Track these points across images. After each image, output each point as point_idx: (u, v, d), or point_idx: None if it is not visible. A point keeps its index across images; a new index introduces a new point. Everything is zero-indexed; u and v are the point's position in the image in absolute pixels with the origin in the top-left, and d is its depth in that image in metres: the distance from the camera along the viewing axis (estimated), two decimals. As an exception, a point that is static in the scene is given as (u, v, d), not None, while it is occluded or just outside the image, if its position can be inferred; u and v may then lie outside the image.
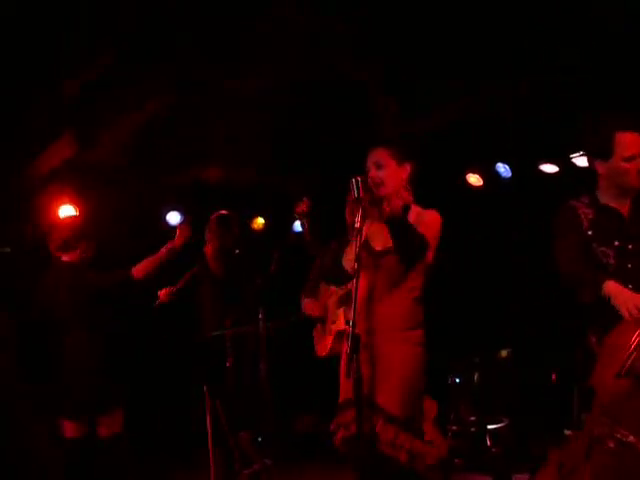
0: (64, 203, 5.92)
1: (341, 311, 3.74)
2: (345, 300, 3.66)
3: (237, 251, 5.29)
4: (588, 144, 3.49)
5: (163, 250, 4.75)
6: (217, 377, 4.81)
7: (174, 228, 5.20)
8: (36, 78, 5.11)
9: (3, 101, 5.24)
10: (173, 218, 6.54)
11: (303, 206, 4.01)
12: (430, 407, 3.45)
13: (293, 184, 6.14)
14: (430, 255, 3.42)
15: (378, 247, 3.41)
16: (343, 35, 5.07)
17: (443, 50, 5.18)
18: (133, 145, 5.94)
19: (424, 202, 3.52)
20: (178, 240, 4.81)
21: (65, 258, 4.69)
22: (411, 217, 3.43)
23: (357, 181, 3.25)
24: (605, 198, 3.41)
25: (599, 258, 3.28)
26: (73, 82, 5.23)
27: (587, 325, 3.35)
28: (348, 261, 3.44)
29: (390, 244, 3.36)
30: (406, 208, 3.46)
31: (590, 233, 3.33)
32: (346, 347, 3.06)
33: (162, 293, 5.09)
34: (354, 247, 3.20)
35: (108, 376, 4.48)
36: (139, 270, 4.64)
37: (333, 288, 3.83)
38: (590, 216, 3.36)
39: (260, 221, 6.88)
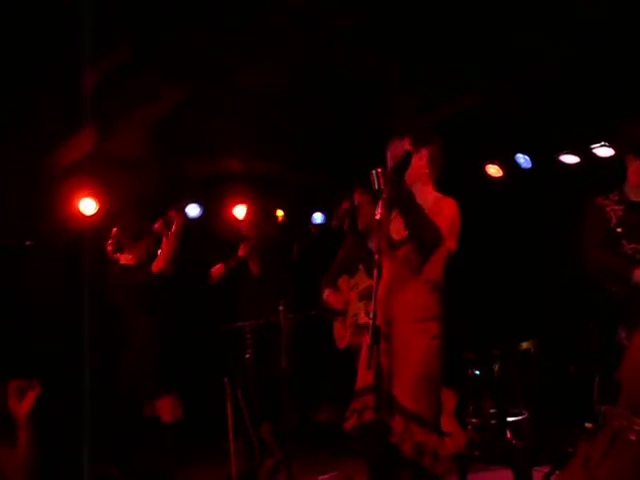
0: (84, 196, 6.00)
1: (362, 305, 3.76)
2: (366, 294, 3.68)
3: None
4: (625, 138, 3.49)
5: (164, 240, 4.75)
6: (238, 368, 4.86)
7: (193, 220, 5.28)
8: (54, 71, 5.18)
9: (23, 94, 5.31)
10: (192, 210, 6.61)
11: (347, 205, 4.07)
12: (448, 399, 3.47)
13: (313, 176, 6.17)
14: (450, 245, 3.42)
15: (396, 236, 3.45)
16: (358, 27, 5.08)
17: (462, 39, 5.17)
18: (153, 137, 6.00)
19: (443, 193, 3.54)
20: (175, 226, 4.77)
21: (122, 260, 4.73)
22: (428, 203, 3.44)
23: (377, 173, 3.26)
24: (635, 195, 3.41)
25: (630, 255, 3.29)
26: (92, 74, 5.27)
27: (617, 320, 3.36)
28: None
29: (406, 234, 3.39)
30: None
31: (619, 230, 3.34)
32: (367, 338, 3.10)
33: (214, 271, 5.16)
34: (376, 238, 3.24)
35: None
36: (157, 265, 4.69)
37: (354, 280, 3.88)
38: (619, 213, 3.36)
39: (279, 213, 6.92)
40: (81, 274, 5.70)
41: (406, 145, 3.33)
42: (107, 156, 6.04)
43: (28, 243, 6.46)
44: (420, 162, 3.48)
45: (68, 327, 5.88)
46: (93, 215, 6.05)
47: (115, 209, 5.97)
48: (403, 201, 3.31)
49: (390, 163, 3.49)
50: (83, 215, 6.00)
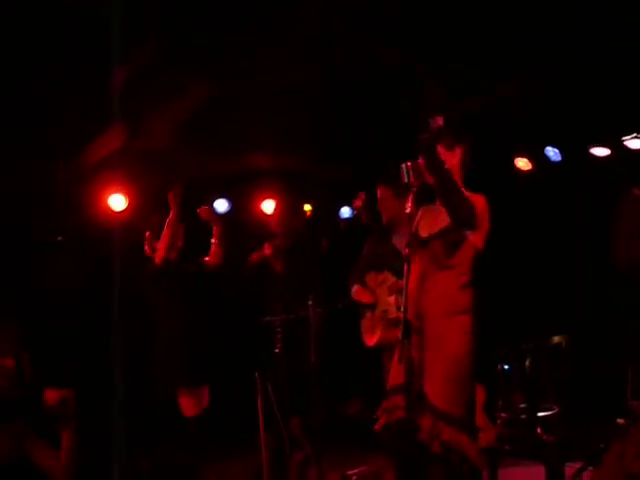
0: (114, 192, 6.05)
1: (392, 299, 3.76)
2: (396, 288, 3.68)
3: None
4: None
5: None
6: (268, 363, 4.91)
7: (222, 216, 5.31)
8: (84, 68, 5.23)
9: (53, 92, 5.37)
10: (220, 205, 6.64)
11: (359, 201, 4.07)
12: (478, 394, 3.46)
13: (341, 171, 6.17)
14: (478, 241, 3.41)
15: (423, 234, 3.44)
16: (385, 19, 5.07)
17: (491, 29, 5.14)
18: (182, 133, 6.03)
19: (472, 186, 3.52)
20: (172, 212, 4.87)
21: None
22: None
23: (407, 167, 3.28)
24: None
25: None
26: (121, 71, 5.32)
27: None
28: (403, 249, 3.47)
29: (435, 230, 3.38)
30: None
31: None
32: (398, 333, 3.11)
33: (255, 257, 5.24)
34: (407, 233, 3.25)
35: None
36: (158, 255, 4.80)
37: (383, 276, 3.88)
38: None
39: (307, 208, 6.92)
40: (111, 269, 5.76)
41: (439, 121, 3.29)
42: (136, 152, 6.08)
43: (60, 239, 6.61)
44: (453, 160, 3.47)
45: (98, 326, 5.98)
46: (122, 211, 6.10)
47: (144, 207, 6.01)
48: (438, 171, 3.26)
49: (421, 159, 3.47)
50: (112, 211, 6.05)
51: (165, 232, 4.76)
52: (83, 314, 6.21)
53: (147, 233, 4.95)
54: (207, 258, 4.96)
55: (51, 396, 3.27)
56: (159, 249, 4.79)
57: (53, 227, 6.34)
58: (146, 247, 4.92)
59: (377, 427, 3.40)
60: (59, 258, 6.24)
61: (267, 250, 5.30)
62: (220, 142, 6.22)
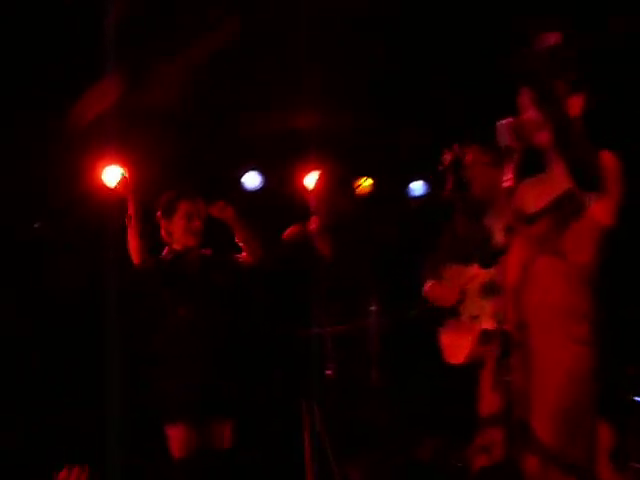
0: (109, 163, 6.07)
1: (487, 303, 3.75)
2: (491, 288, 3.68)
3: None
4: None
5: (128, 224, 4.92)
6: (316, 388, 4.91)
7: (252, 193, 5.32)
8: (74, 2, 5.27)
9: (30, 31, 5.42)
10: (251, 180, 6.67)
11: (450, 155, 4.07)
12: (604, 435, 3.43)
13: (404, 134, 6.14)
14: (605, 212, 3.34)
15: (528, 210, 3.42)
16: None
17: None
18: (196, 86, 6.04)
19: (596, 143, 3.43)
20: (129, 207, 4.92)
21: None
22: None
23: (506, 126, 3.26)
24: None
25: None
26: (119, 7, 5.34)
27: None
28: (497, 234, 3.46)
29: (545, 203, 3.36)
30: None
31: None
32: (493, 349, 3.10)
33: (293, 232, 5.30)
34: (504, 214, 3.23)
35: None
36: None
37: (470, 269, 3.86)
38: None
39: (367, 182, 6.89)
40: (106, 264, 5.81)
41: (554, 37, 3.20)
42: (137, 112, 6.11)
43: (36, 226, 6.70)
44: (572, 111, 3.41)
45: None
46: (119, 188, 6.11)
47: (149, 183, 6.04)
48: (554, 109, 3.22)
49: (525, 111, 3.43)
50: (107, 188, 6.07)
51: (129, 233, 4.85)
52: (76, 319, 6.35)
53: (158, 213, 4.99)
54: (243, 255, 4.96)
55: None
56: (132, 253, 4.87)
57: (30, 211, 6.42)
58: (163, 231, 4.98)
59: (473, 470, 3.43)
60: (44, 252, 6.35)
61: (313, 224, 5.29)
62: (248, 96, 6.22)
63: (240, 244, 4.92)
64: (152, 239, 4.95)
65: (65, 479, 3.99)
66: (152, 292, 4.94)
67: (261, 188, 6.77)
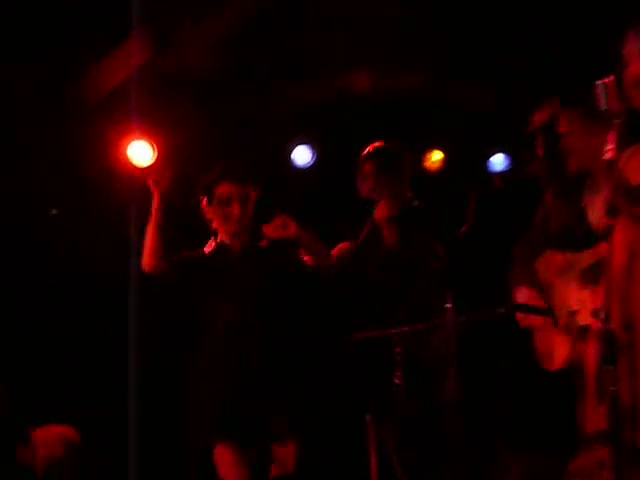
0: (135, 137, 6.10)
1: (587, 295, 3.70)
2: (593, 277, 3.64)
3: (416, 202, 5.34)
4: None
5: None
6: (383, 399, 4.91)
7: (307, 172, 5.26)
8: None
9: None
10: (301, 156, 6.66)
11: (541, 116, 4.03)
12: None
13: (491, 97, 6.10)
14: None
15: (635, 180, 3.39)
16: None
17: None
18: (233, 47, 6.06)
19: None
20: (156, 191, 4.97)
21: None
22: None
23: (606, 85, 3.20)
24: None
25: None
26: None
27: None
28: (596, 214, 3.41)
29: None
30: None
31: None
32: (595, 352, 3.08)
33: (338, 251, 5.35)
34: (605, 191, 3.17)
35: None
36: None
37: (568, 256, 3.81)
38: None
39: (437, 156, 6.88)
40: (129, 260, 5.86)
41: None
42: (167, 78, 6.14)
43: (54, 212, 6.79)
44: None
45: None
46: (149, 167, 6.14)
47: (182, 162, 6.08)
48: None
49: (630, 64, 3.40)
50: (134, 166, 6.11)
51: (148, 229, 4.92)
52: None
53: (203, 200, 5.02)
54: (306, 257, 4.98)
55: None
56: (145, 254, 4.93)
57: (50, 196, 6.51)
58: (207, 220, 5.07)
59: None
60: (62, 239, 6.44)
61: (380, 212, 5.27)
62: (295, 58, 6.23)
63: (306, 257, 4.94)
64: (172, 240, 5.01)
65: None
66: (182, 293, 4.99)
67: (313, 165, 6.81)
